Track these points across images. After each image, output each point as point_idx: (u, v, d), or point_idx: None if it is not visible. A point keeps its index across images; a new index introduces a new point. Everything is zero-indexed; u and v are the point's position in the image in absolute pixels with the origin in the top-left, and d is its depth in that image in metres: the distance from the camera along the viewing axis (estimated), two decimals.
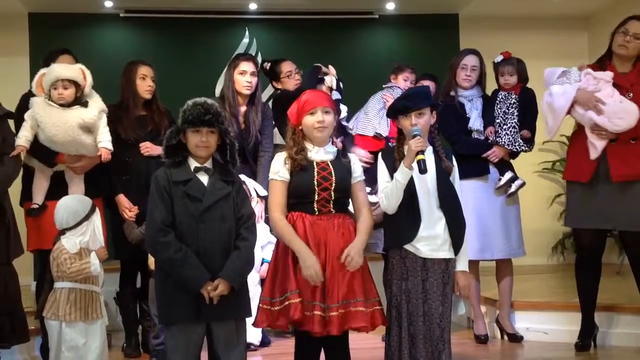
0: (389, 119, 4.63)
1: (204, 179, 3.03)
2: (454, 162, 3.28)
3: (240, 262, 3.00)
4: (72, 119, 3.89)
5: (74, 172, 4.01)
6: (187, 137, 3.03)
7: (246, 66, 4.60)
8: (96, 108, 3.98)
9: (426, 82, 4.72)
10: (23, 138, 3.84)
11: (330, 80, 4.63)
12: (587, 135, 4.03)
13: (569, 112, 4.09)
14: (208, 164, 3.07)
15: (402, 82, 4.83)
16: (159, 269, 3.03)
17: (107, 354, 3.49)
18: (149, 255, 4.09)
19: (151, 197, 2.99)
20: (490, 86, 4.70)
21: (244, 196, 3.15)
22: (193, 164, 3.05)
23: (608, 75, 4.05)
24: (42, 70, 3.98)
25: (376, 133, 4.61)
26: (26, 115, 3.88)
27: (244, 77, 4.58)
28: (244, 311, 3.08)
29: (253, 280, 4.16)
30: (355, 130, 4.73)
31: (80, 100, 3.95)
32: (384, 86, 4.91)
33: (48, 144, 3.88)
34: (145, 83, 4.36)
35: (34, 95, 4.00)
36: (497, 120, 4.50)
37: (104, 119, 4.02)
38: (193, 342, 2.97)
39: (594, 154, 4.00)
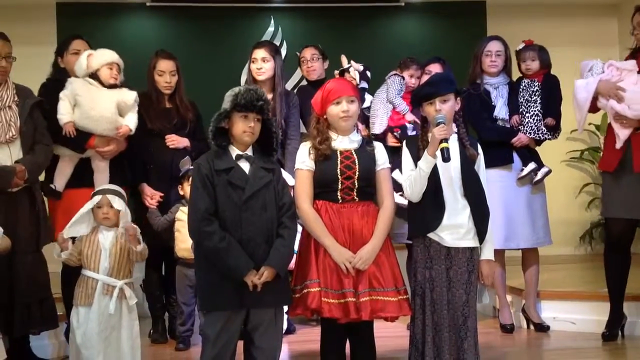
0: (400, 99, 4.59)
1: (245, 166, 3.02)
2: (480, 150, 3.26)
3: (285, 250, 3.00)
4: (112, 96, 4.02)
5: (101, 156, 4.04)
6: (232, 122, 3.02)
7: (255, 53, 4.61)
8: (134, 93, 4.10)
9: (434, 66, 4.64)
10: (67, 115, 3.91)
11: (354, 73, 4.61)
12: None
13: (595, 105, 4.06)
14: (249, 152, 3.06)
15: (407, 79, 4.74)
16: (201, 257, 3.02)
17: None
18: (175, 244, 4.12)
19: (194, 186, 2.99)
20: (516, 76, 4.65)
21: (284, 184, 3.14)
22: (234, 151, 3.03)
23: (630, 64, 4.02)
24: (88, 52, 4.08)
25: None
26: (63, 95, 3.94)
27: (255, 65, 4.61)
28: (285, 298, 3.10)
29: None
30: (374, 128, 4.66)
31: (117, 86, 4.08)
32: (385, 78, 4.84)
33: (83, 123, 3.92)
34: (162, 79, 4.39)
35: (55, 84, 4.06)
36: (521, 109, 4.47)
37: (136, 107, 4.12)
38: (233, 328, 2.99)
39: (618, 143, 3.98)
